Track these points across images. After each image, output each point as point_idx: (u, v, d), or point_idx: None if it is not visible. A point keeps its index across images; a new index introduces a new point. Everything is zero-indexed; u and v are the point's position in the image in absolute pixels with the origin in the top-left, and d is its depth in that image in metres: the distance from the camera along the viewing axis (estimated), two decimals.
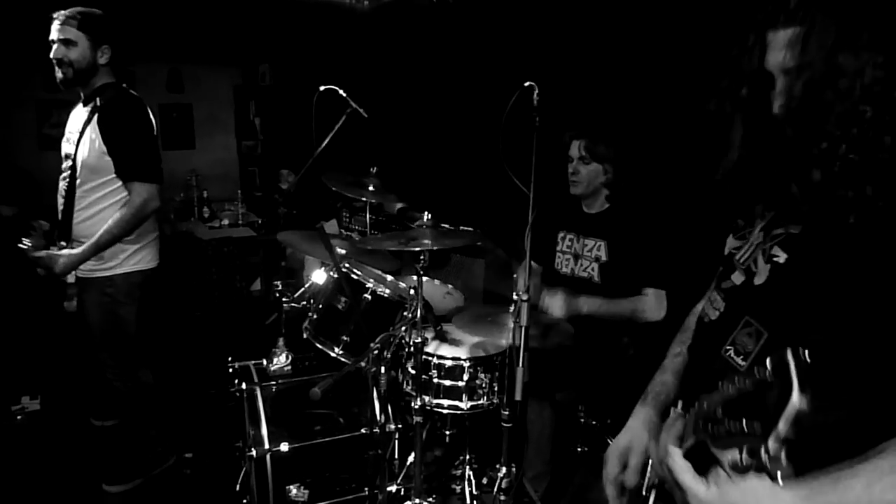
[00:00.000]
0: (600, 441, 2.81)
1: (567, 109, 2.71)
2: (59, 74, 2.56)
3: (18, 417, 3.55)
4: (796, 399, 0.76)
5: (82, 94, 2.66)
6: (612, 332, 2.57)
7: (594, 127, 2.60)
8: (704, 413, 0.90)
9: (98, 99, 2.58)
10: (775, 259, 1.06)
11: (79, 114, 2.66)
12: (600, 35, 3.16)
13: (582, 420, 2.76)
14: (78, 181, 2.59)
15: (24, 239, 2.57)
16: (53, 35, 2.53)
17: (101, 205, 2.61)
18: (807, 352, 0.79)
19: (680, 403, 1.17)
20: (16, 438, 3.42)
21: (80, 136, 2.58)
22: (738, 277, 1.15)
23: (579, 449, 2.82)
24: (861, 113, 0.93)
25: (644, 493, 1.26)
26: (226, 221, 5.61)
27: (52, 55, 2.54)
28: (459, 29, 3.99)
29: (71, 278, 2.67)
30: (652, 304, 2.45)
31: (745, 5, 1.08)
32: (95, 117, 2.56)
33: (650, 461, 1.25)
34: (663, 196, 2.72)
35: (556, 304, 2.42)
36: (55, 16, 2.53)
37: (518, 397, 1.61)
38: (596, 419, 2.77)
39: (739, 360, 1.07)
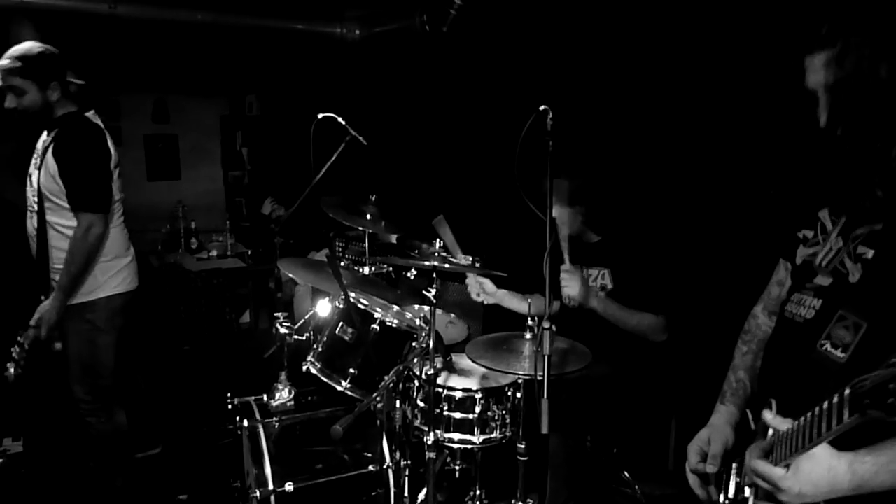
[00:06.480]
0: (609, 470, 2.74)
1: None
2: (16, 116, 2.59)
3: (0, 460, 3.40)
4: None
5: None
6: (622, 360, 2.53)
7: (560, 170, 2.59)
8: None
9: (58, 129, 2.59)
10: (863, 256, 1.14)
11: (43, 141, 2.66)
12: (586, 68, 3.18)
13: (589, 448, 2.69)
14: (46, 206, 2.58)
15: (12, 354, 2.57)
16: (0, 83, 2.53)
17: (69, 231, 2.58)
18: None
19: (774, 403, 1.22)
20: None
21: (41, 161, 2.58)
22: (823, 280, 1.22)
23: (589, 479, 2.75)
24: None
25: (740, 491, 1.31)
26: (214, 253, 5.50)
27: (5, 105, 2.55)
28: (455, 56, 3.99)
29: None
30: (654, 326, 2.45)
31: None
32: (52, 146, 2.56)
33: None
34: (656, 223, 2.73)
35: (574, 282, 2.37)
36: None
37: (545, 430, 1.55)
38: (604, 448, 2.71)
39: (838, 353, 1.12)
